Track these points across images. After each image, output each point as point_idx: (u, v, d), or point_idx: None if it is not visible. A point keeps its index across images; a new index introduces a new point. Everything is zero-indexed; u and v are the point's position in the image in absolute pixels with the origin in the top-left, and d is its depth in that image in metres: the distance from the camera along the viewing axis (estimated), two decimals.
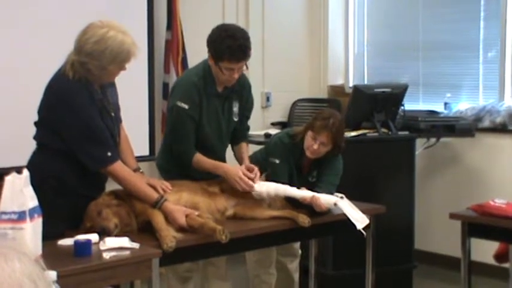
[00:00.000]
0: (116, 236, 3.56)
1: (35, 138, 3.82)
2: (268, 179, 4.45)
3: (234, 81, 4.30)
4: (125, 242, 3.45)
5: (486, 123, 6.28)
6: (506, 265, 5.13)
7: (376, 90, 5.88)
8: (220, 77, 4.24)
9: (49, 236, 3.20)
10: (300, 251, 5.14)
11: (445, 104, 6.69)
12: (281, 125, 6.98)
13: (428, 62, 6.99)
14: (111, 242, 3.43)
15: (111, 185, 3.94)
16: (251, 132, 4.90)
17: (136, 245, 3.44)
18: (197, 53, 5.56)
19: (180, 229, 3.74)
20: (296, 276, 5.15)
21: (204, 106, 4.29)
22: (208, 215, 3.98)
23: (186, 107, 4.22)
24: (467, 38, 6.69)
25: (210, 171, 4.30)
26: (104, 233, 3.54)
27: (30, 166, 3.54)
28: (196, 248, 3.78)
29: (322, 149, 4.45)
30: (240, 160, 4.56)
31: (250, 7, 7.04)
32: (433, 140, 6.38)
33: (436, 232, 6.61)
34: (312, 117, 4.58)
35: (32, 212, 2.95)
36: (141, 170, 4.12)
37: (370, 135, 5.79)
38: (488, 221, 4.51)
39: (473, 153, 6.47)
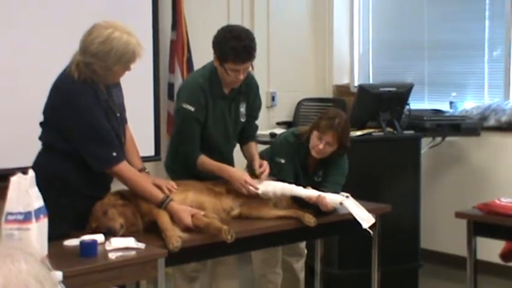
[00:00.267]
0: (122, 236, 3.56)
1: (40, 138, 3.83)
2: (273, 179, 4.45)
3: (240, 83, 4.29)
4: (130, 242, 3.45)
5: (491, 122, 6.28)
6: None
7: (381, 89, 5.88)
8: (225, 78, 4.24)
9: (55, 236, 3.20)
10: (305, 251, 5.14)
11: (451, 103, 6.69)
12: (286, 124, 6.99)
13: (434, 61, 6.99)
14: (116, 242, 3.43)
15: (116, 185, 3.95)
16: None
17: (142, 245, 3.44)
18: (202, 52, 5.58)
19: (186, 229, 3.75)
20: (302, 275, 5.15)
21: (210, 107, 4.29)
22: (214, 215, 3.98)
23: (192, 109, 4.22)
24: (473, 37, 6.68)
25: (214, 173, 4.29)
26: (109, 233, 3.54)
27: (35, 167, 3.53)
28: (202, 248, 3.78)
29: (328, 148, 4.45)
30: (250, 158, 4.57)
31: (255, 7, 7.04)
32: (438, 139, 6.38)
33: (441, 231, 6.60)
34: (318, 117, 4.58)
35: (37, 212, 2.95)
36: (146, 170, 4.12)
37: (376, 135, 5.79)
38: (494, 219, 4.50)
39: (478, 152, 6.47)
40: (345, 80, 7.63)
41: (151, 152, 5.98)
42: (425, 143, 6.33)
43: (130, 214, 3.74)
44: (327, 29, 7.57)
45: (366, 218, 4.30)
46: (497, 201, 4.59)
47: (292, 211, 4.26)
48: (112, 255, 3.31)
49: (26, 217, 2.92)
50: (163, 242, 3.58)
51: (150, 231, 3.74)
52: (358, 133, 5.68)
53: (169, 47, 6.30)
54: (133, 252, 3.39)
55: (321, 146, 4.43)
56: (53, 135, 3.75)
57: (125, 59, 3.65)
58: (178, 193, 3.98)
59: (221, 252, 3.96)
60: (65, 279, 2.79)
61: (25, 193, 2.93)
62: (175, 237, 3.58)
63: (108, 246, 3.39)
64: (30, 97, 4.93)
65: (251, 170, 4.62)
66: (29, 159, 3.81)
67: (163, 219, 3.71)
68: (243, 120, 4.49)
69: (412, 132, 5.99)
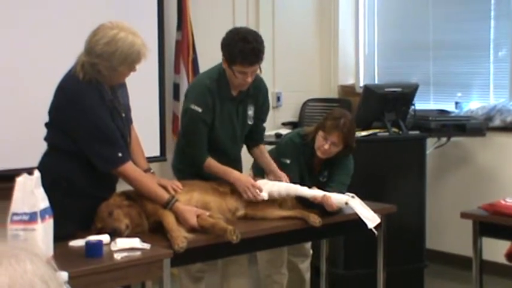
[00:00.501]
0: (127, 236, 3.57)
1: (45, 139, 3.83)
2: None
3: (248, 85, 4.29)
4: (136, 242, 3.45)
5: (497, 122, 6.27)
6: None
7: (386, 89, 5.87)
8: (233, 80, 4.24)
9: (60, 236, 3.21)
10: (311, 251, 5.14)
11: (456, 103, 6.68)
12: (292, 125, 6.98)
13: (439, 62, 6.98)
14: (122, 242, 3.44)
15: (122, 186, 3.95)
16: None
17: (147, 246, 3.45)
18: (207, 53, 5.58)
19: (191, 229, 3.75)
20: (307, 276, 5.15)
21: (218, 109, 4.28)
22: (219, 215, 3.99)
23: (200, 110, 4.21)
24: (478, 37, 6.68)
25: (220, 176, 4.28)
26: (115, 234, 3.54)
27: (41, 167, 3.54)
28: (207, 249, 3.78)
29: (333, 149, 4.45)
30: (265, 166, 4.55)
31: (261, 7, 7.03)
32: (443, 139, 6.37)
33: (447, 231, 6.60)
34: (323, 117, 4.58)
35: (43, 213, 2.96)
36: (152, 171, 4.12)
37: (381, 135, 5.78)
38: (500, 220, 4.49)
39: (484, 153, 6.46)
40: (350, 81, 7.62)
41: (156, 152, 5.97)
42: (431, 143, 6.32)
43: (135, 215, 3.75)
44: (332, 29, 7.57)
45: (371, 218, 4.30)
46: (503, 202, 4.58)
47: (298, 211, 4.26)
48: (117, 256, 3.31)
49: (32, 218, 2.92)
50: (169, 242, 3.58)
51: (155, 231, 3.74)
52: (364, 133, 5.68)
53: (175, 48, 6.29)
54: (138, 253, 3.40)
55: (326, 146, 4.43)
56: (58, 135, 3.75)
57: (130, 59, 3.65)
58: (183, 193, 3.98)
59: (226, 252, 3.96)
60: (71, 279, 2.80)
61: (30, 194, 2.94)
62: (181, 238, 3.58)
63: (113, 247, 3.40)
64: (32, 97, 4.94)
65: (257, 170, 4.63)
66: (34, 160, 3.81)
67: (169, 219, 3.71)
68: (250, 122, 4.48)
69: (417, 132, 5.98)
